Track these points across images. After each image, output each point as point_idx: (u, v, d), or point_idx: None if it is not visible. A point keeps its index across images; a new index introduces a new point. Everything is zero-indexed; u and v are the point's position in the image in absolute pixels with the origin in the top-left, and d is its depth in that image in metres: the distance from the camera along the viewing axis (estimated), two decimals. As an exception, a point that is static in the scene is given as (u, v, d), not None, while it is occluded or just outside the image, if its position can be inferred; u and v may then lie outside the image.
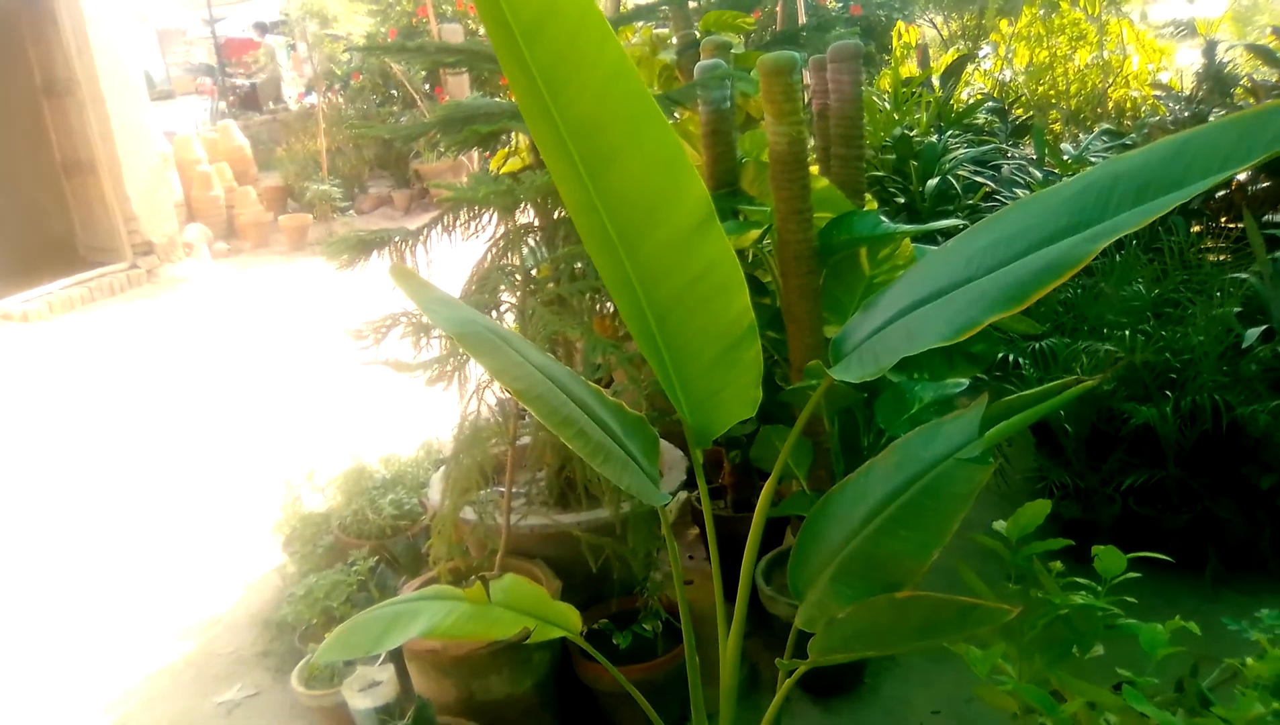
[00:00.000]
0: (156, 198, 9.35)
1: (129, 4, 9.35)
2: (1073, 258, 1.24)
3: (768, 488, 1.78)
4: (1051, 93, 8.65)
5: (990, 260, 1.38)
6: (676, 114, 3.67)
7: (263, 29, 17.58)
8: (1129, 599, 1.68)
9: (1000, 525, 1.77)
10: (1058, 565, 1.70)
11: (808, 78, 4.03)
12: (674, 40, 4.86)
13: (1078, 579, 1.78)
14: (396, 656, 2.90)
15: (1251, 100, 5.59)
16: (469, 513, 2.80)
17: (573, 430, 1.59)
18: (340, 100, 12.55)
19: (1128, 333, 3.56)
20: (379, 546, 3.49)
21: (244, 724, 3.15)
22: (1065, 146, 6.03)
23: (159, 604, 3.86)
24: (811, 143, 3.69)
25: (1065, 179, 1.41)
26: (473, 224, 2.81)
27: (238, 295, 8.73)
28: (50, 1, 8.47)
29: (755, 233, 2.76)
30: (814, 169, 3.42)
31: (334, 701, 2.92)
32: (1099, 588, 1.74)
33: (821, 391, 1.60)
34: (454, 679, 2.65)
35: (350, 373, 2.84)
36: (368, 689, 2.85)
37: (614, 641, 2.73)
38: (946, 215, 5.13)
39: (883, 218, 2.80)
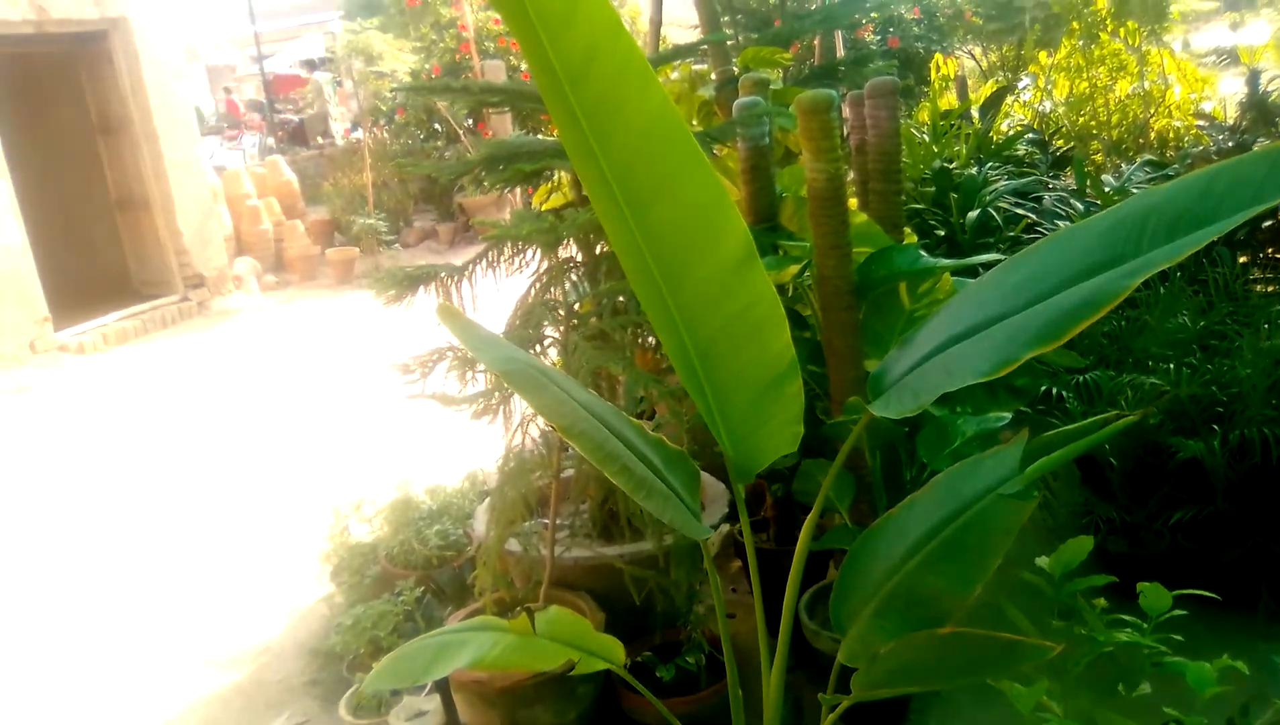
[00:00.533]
0: (207, 232, 9.57)
1: (180, 44, 9.61)
2: (1108, 293, 1.26)
3: (809, 522, 1.80)
4: (1092, 123, 8.61)
5: (1027, 295, 1.40)
6: (716, 150, 3.71)
7: (311, 66, 17.96)
8: (1175, 636, 1.67)
9: (1044, 561, 1.77)
10: (1101, 602, 1.70)
11: (846, 112, 4.07)
12: (713, 76, 4.93)
13: (1123, 616, 1.78)
14: (442, 687, 2.93)
15: (1297, 130, 5.54)
16: (514, 544, 2.84)
17: (616, 465, 1.62)
18: (385, 135, 12.78)
19: (1171, 366, 3.52)
20: (425, 577, 3.53)
21: (291, 752, 3.19)
22: (1106, 178, 5.99)
23: (210, 631, 3.92)
24: (850, 177, 3.72)
25: (1097, 213, 1.42)
26: (516, 259, 2.86)
27: (286, 327, 8.88)
28: (107, 42, 8.74)
29: (794, 268, 2.79)
30: (853, 203, 3.45)
31: (380, 731, 2.96)
32: (1145, 625, 1.74)
33: (861, 427, 1.62)
34: (499, 710, 2.67)
35: (397, 404, 2.89)
36: (414, 719, 2.89)
37: (657, 674, 2.74)
38: (987, 247, 5.12)
39: (922, 252, 2.81)
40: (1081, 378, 3.78)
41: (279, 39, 26.28)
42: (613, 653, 2.04)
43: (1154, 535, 3.46)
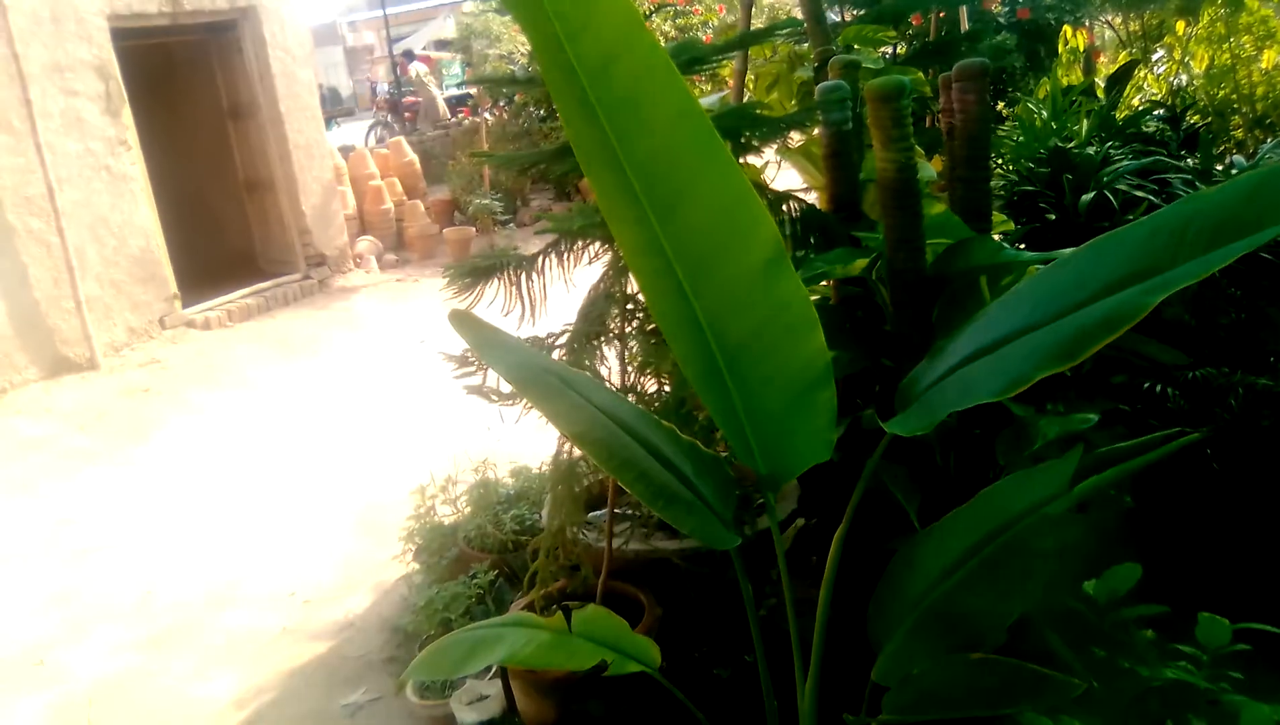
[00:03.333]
0: (328, 213, 9.88)
1: (307, 31, 9.90)
2: (1130, 311, 1.16)
3: (838, 536, 1.74)
4: (1234, 97, 8.07)
5: (1054, 307, 1.31)
6: (798, 136, 3.61)
7: (443, 46, 18.28)
8: (1234, 674, 1.54)
9: (1090, 586, 1.67)
10: (1148, 633, 1.59)
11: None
12: (813, 57, 4.80)
13: (1181, 647, 1.66)
14: (503, 672, 2.97)
15: None
16: (577, 533, 2.84)
17: (632, 474, 1.59)
18: (505, 116, 12.93)
19: (1286, 366, 3.27)
20: (500, 560, 3.57)
21: (365, 727, 3.28)
22: (1237, 158, 5.61)
23: (300, 604, 4.06)
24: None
25: (1143, 217, 1.31)
26: (586, 252, 2.84)
27: (400, 305, 9.11)
28: (237, 30, 9.08)
29: (864, 261, 2.69)
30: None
31: (444, 712, 3.01)
32: (1203, 656, 1.62)
33: (883, 446, 1.54)
34: (553, 700, 2.69)
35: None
36: (475, 703, 2.93)
37: (715, 671, 2.71)
38: (1103, 231, 4.86)
39: (1004, 244, 2.68)
40: (1190, 375, 3.56)
41: (414, 20, 26.90)
42: (648, 655, 2.01)
43: (1261, 545, 3.24)
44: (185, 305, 8.36)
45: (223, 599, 4.20)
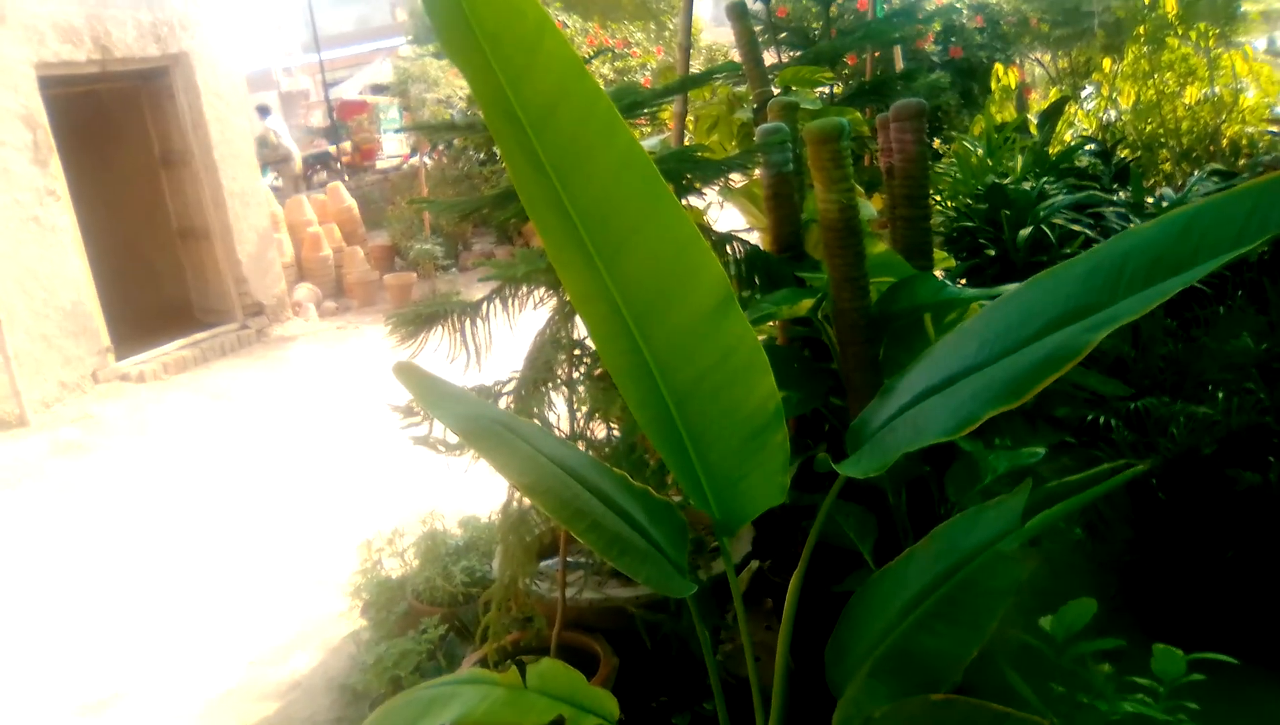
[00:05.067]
0: (265, 261, 9.75)
1: (241, 77, 9.82)
2: (1071, 349, 1.17)
3: (795, 578, 1.72)
4: (1160, 131, 8.32)
5: (1000, 345, 1.31)
6: (742, 177, 3.64)
7: (380, 90, 18.14)
8: (1190, 704, 1.54)
9: (1046, 622, 1.66)
10: (1105, 668, 1.58)
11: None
12: (752, 98, 4.85)
13: (1138, 679, 1.66)
14: (457, 729, 2.89)
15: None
16: (529, 584, 2.79)
17: (585, 523, 1.56)
18: (444, 160, 12.90)
19: (1220, 394, 3.34)
20: (450, 614, 3.50)
21: (313, 792, 3.17)
22: (1166, 191, 5.77)
23: (243, 665, 3.94)
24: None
25: (1081, 253, 1.32)
26: (531, 297, 2.81)
27: (340, 355, 8.99)
28: (169, 78, 8.98)
29: (810, 302, 2.70)
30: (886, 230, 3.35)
31: (396, 774, 2.91)
32: (1160, 688, 1.62)
33: (836, 489, 1.53)
34: (509, 757, 2.61)
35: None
36: (428, 763, 2.83)
37: (674, 721, 2.66)
38: (1041, 266, 4.94)
39: (946, 281, 2.70)
40: (1132, 406, 3.62)
41: (349, 64, 26.81)
42: (605, 707, 1.96)
43: (1206, 572, 3.28)
44: (119, 358, 8.17)
45: (163, 661, 4.05)
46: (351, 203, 12.10)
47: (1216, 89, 8.39)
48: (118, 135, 9.81)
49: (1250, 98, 8.25)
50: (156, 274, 10.10)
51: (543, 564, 2.95)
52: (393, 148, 17.64)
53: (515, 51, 1.44)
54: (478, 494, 4.22)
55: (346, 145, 16.82)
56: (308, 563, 4.79)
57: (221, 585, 4.70)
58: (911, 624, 1.66)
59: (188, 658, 4.05)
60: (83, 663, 4.12)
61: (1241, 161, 7.48)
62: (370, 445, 6.10)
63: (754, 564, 3.29)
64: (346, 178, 14.89)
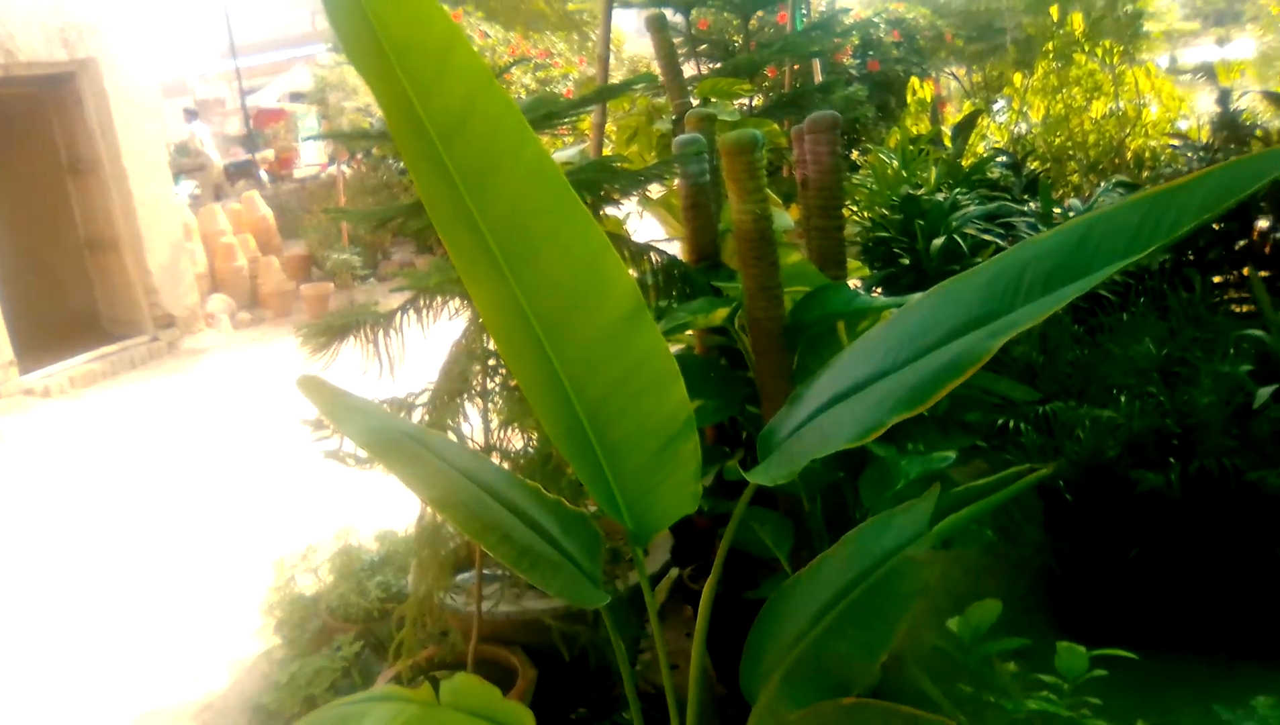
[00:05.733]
0: (177, 271, 9.51)
1: (154, 83, 9.58)
2: (974, 355, 1.19)
3: (709, 586, 1.72)
4: (1069, 145, 8.58)
5: (904, 353, 1.33)
6: (657, 187, 3.66)
7: (298, 98, 17.80)
8: (1092, 699, 1.58)
9: (954, 623, 1.69)
10: (1011, 666, 1.62)
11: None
12: (671, 110, 4.88)
13: (1043, 677, 1.69)
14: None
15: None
16: (446, 598, 2.75)
17: (495, 536, 1.54)
18: (363, 168, 12.73)
19: (1123, 398, 3.45)
20: (366, 630, 3.44)
21: (226, 817, 3.09)
22: (1073, 201, 5.94)
23: (153, 686, 3.82)
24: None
25: (982, 263, 1.35)
26: (445, 308, 2.78)
27: (254, 368, 8.79)
28: (76, 83, 8.71)
29: (725, 310, 2.72)
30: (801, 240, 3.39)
31: (311, 795, 2.85)
32: (1064, 685, 1.66)
33: (748, 496, 1.54)
34: (426, 774, 2.57)
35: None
36: (344, 783, 2.78)
37: (592, 732, 2.65)
38: (954, 275, 5.04)
39: (859, 291, 2.75)
40: (1041, 409, 3.71)
41: (268, 72, 26.31)
42: (520, 721, 1.94)
43: (1113, 570, 3.38)
44: (23, 372, 7.89)
45: (71, 683, 3.91)
46: (267, 212, 11.87)
47: (1121, 104, 8.68)
48: (22, 142, 9.49)
49: (1153, 113, 8.55)
50: (62, 285, 9.78)
51: (459, 577, 2.92)
52: (311, 156, 17.35)
53: (423, 62, 1.43)
54: (394, 507, 4.17)
55: (269, 153, 16.51)
56: (219, 581, 4.66)
57: (131, 605, 4.56)
58: (823, 630, 1.68)
59: (96, 682, 3.92)
60: (-19, 690, 3.96)
61: (1145, 174, 7.74)
62: (284, 460, 5.97)
63: (674, 572, 3.30)
64: (268, 186, 14.58)
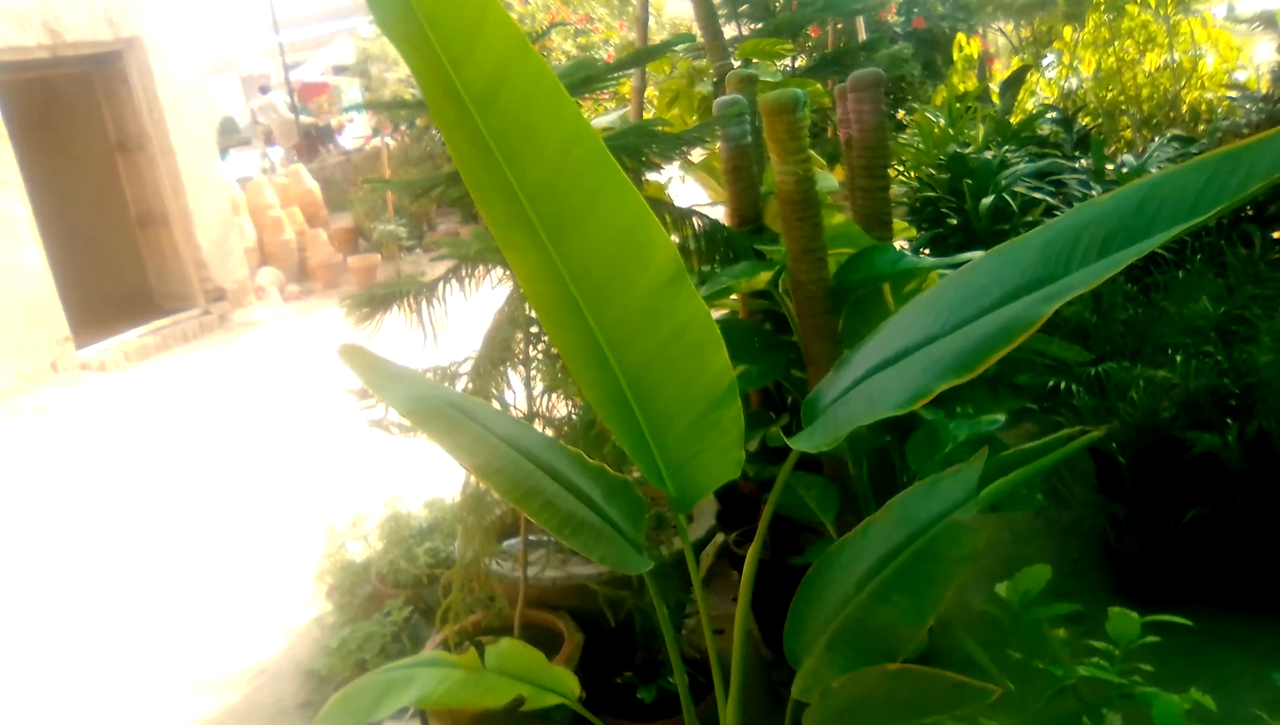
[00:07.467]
0: (227, 245, 9.63)
1: (199, 60, 9.66)
2: (1026, 320, 1.16)
3: (753, 550, 1.71)
4: (1121, 99, 8.36)
5: (955, 317, 1.30)
6: (699, 151, 3.61)
7: (342, 71, 18.02)
8: (1144, 666, 1.55)
9: (1002, 588, 1.67)
10: (1061, 632, 1.59)
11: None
12: (712, 71, 4.82)
13: (1094, 643, 1.67)
14: (421, 711, 2.88)
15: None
16: (492, 564, 2.78)
17: (537, 503, 1.54)
18: (407, 140, 12.76)
19: (1178, 358, 3.37)
20: (415, 596, 3.48)
21: (282, 778, 3.15)
22: (1127, 157, 5.80)
23: (209, 651, 3.91)
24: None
25: (1038, 227, 1.32)
26: (488, 276, 2.78)
27: (305, 339, 8.90)
28: (122, 62, 8.81)
29: (768, 274, 2.68)
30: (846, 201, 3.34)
31: (363, 758, 2.90)
32: (1115, 651, 1.63)
33: (791, 463, 1.52)
34: (475, 737, 2.61)
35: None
36: (395, 746, 2.83)
37: (638, 695, 2.66)
38: (1003, 234, 4.95)
39: (905, 251, 2.70)
40: (1093, 370, 3.64)
41: (311, 46, 26.41)
42: (566, 686, 1.96)
43: (1168, 534, 3.32)
44: (79, 347, 8.05)
45: (128, 649, 4.01)
46: (313, 185, 11.95)
47: (1176, 55, 8.42)
48: (72, 122, 9.63)
49: (1210, 64, 8.30)
50: (115, 261, 9.95)
51: (505, 543, 2.94)
52: (356, 130, 17.45)
53: (456, 28, 1.41)
54: (442, 475, 4.20)
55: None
56: (272, 548, 4.75)
57: (186, 572, 4.66)
58: (869, 595, 1.66)
59: (153, 648, 4.01)
60: (36, 653, 4.07)
61: (1201, 127, 7.54)
62: (334, 428, 6.05)
63: (719, 537, 3.30)
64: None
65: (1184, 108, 8.08)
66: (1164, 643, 1.75)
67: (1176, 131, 6.78)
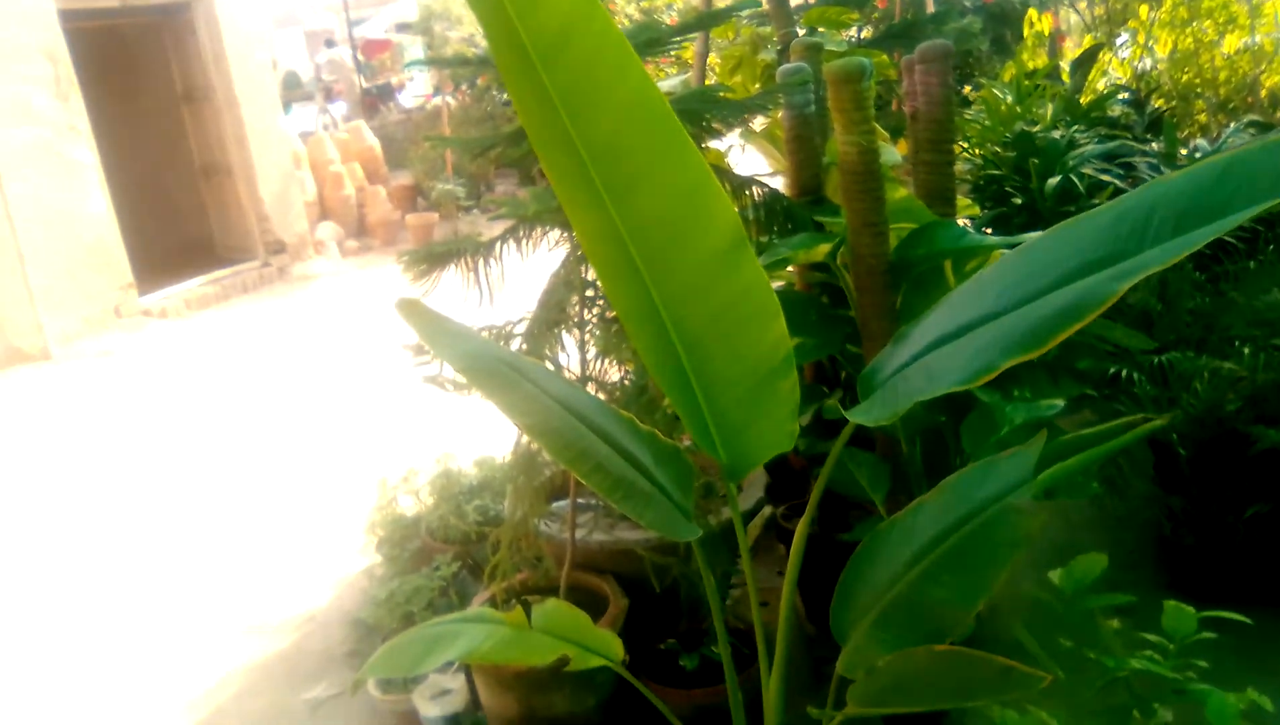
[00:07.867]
0: (288, 198, 9.74)
1: (265, 13, 9.73)
2: (1095, 298, 1.13)
3: (802, 525, 1.70)
4: (1197, 81, 8.11)
5: (1019, 294, 1.27)
6: (762, 119, 3.57)
7: (405, 28, 18.11)
8: (1199, 662, 1.52)
9: (1056, 575, 1.64)
10: (1114, 623, 1.56)
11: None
12: (776, 39, 4.75)
13: (1147, 635, 1.63)
14: (468, 665, 2.92)
15: None
16: (540, 525, 2.80)
17: (589, 465, 1.54)
18: (468, 100, 12.77)
19: (1246, 350, 3.28)
20: (463, 552, 3.52)
21: (326, 722, 3.21)
22: (1200, 142, 5.63)
23: (260, 598, 3.99)
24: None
25: (1106, 203, 1.28)
26: (545, 237, 2.78)
27: (362, 293, 8.99)
28: (190, 13, 8.91)
29: (826, 246, 2.65)
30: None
31: (407, 707, 2.96)
32: (1169, 645, 1.60)
33: (846, 435, 1.51)
34: (516, 694, 2.64)
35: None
36: (438, 697, 2.88)
37: (681, 662, 2.67)
38: (1069, 216, 4.84)
39: (967, 228, 2.65)
40: (1157, 359, 3.56)
41: (375, 3, 26.48)
42: (610, 648, 1.97)
43: (1227, 529, 3.25)
44: (141, 294, 8.21)
45: (183, 593, 4.11)
46: (374, 142, 12.03)
47: (1257, 38, 8.14)
48: (139, 71, 9.77)
49: (1292, 47, 8.02)
50: (179, 211, 10.11)
51: (553, 505, 2.96)
52: (418, 88, 17.49)
53: (524, -18, 1.40)
54: (493, 434, 4.23)
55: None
56: (324, 499, 4.83)
57: (239, 518, 4.75)
58: (919, 575, 1.64)
59: (206, 592, 4.11)
60: (97, 589, 4.18)
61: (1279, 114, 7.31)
62: (388, 383, 6.12)
63: (767, 510, 3.29)
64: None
65: (1263, 93, 7.82)
66: (1220, 640, 1.71)
67: (1254, 117, 6.57)
